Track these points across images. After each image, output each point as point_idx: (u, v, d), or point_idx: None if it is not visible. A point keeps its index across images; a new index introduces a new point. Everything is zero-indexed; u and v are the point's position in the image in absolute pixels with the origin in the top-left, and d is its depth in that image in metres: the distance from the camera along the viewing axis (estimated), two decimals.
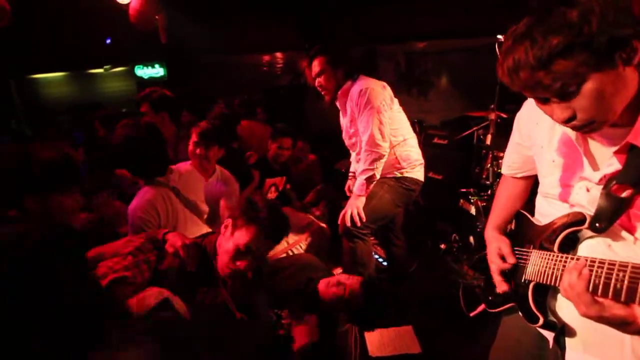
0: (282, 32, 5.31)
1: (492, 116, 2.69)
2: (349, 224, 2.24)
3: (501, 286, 1.03)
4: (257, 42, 5.52)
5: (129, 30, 4.05)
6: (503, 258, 1.03)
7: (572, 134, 0.84)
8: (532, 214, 1.04)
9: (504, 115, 2.67)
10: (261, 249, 1.40)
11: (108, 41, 5.82)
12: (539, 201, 1.00)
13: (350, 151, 2.57)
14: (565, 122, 0.75)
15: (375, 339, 2.24)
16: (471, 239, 2.73)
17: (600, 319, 0.70)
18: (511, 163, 1.13)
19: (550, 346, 0.95)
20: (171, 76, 6.38)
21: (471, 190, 3.03)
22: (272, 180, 3.19)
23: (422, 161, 2.41)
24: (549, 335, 0.95)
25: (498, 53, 2.39)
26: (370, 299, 1.67)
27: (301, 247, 2.57)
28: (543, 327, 0.92)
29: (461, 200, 3.14)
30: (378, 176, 2.22)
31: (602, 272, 0.69)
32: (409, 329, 2.32)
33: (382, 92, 2.19)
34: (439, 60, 5.47)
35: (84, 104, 5.84)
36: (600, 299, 0.70)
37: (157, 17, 4.03)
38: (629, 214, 0.78)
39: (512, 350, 1.07)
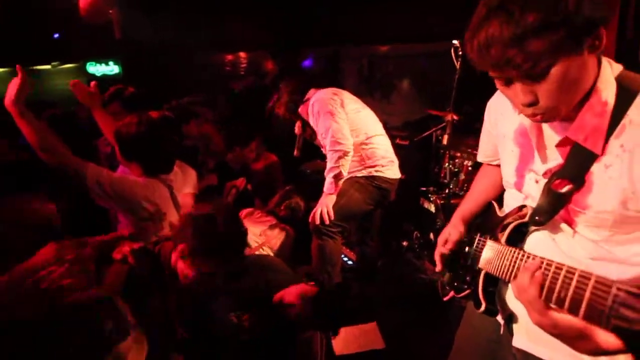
0: (247, 31, 5.24)
1: (449, 117, 2.80)
2: (318, 222, 2.27)
3: (438, 265, 1.09)
4: (220, 41, 5.40)
5: (80, 24, 3.82)
6: (446, 242, 1.09)
7: (527, 124, 0.83)
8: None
9: (456, 117, 2.80)
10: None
11: (56, 36, 5.45)
12: (505, 192, 1.02)
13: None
14: (527, 106, 0.72)
15: (340, 338, 2.26)
16: (431, 235, 2.83)
17: (554, 330, 0.65)
18: (484, 150, 1.13)
19: (502, 332, 0.99)
20: (127, 74, 6.08)
21: (431, 188, 3.14)
22: (232, 183, 3.14)
23: (393, 159, 2.46)
24: (501, 321, 0.99)
25: (454, 57, 2.48)
26: (320, 310, 1.65)
27: (266, 250, 2.53)
28: (485, 312, 0.95)
29: (422, 199, 3.24)
30: (345, 173, 2.27)
31: (556, 277, 0.63)
32: (373, 326, 2.36)
33: (332, 98, 2.31)
34: (401, 64, 5.63)
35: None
36: (555, 308, 0.65)
37: (110, 11, 3.83)
38: (568, 209, 0.78)
39: (473, 336, 1.11)
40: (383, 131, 2.48)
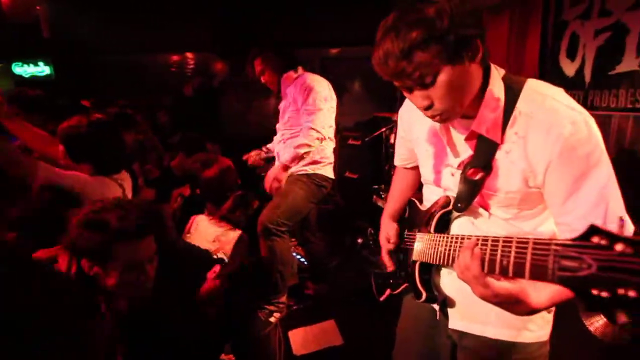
0: (194, 32, 5.07)
1: (396, 117, 2.94)
2: (268, 189, 2.31)
3: (389, 265, 1.14)
4: (165, 41, 5.18)
5: (4, 22, 3.47)
6: (389, 240, 1.15)
7: (437, 125, 0.93)
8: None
9: None
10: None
11: None
12: (424, 189, 1.12)
13: (277, 135, 2.61)
14: (425, 109, 0.84)
15: (299, 338, 2.28)
16: None
17: (495, 299, 0.74)
18: (400, 155, 1.23)
19: (438, 317, 1.07)
20: (60, 76, 5.61)
21: (382, 186, 3.26)
22: (178, 191, 3.04)
23: (332, 161, 2.56)
24: (436, 307, 1.07)
25: None
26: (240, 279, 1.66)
27: (222, 257, 2.47)
28: (426, 301, 1.03)
29: (374, 197, 3.35)
30: (310, 155, 2.34)
31: (495, 249, 0.72)
32: (331, 323, 2.40)
33: (329, 86, 2.40)
34: (352, 66, 5.79)
35: None
36: (494, 280, 0.74)
37: (37, 7, 3.53)
38: (482, 194, 0.89)
39: (413, 326, 1.18)
40: (333, 137, 2.56)
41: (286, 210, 2.34)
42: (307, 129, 2.25)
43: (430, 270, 1.04)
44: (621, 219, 0.52)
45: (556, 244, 0.59)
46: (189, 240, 2.45)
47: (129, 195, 1.87)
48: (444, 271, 1.04)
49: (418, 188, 1.23)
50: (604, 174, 0.77)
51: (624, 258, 0.48)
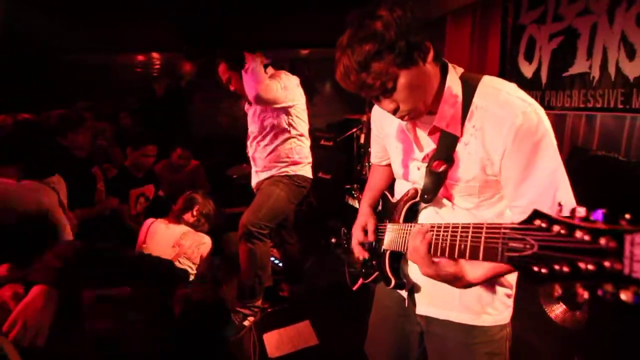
0: (160, 31, 4.92)
1: (365, 118, 2.98)
2: None
3: (359, 254, 1.17)
4: (130, 40, 4.99)
5: None
6: (366, 232, 1.17)
7: (403, 124, 0.99)
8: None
9: None
10: None
11: None
12: (396, 183, 1.17)
13: (249, 139, 2.56)
14: (393, 113, 0.89)
15: (273, 340, 2.26)
16: None
17: (438, 277, 0.84)
18: (376, 153, 1.28)
19: (406, 305, 1.11)
20: (16, 76, 5.27)
21: (354, 186, 3.29)
22: (138, 191, 2.94)
23: (311, 160, 2.55)
24: (405, 295, 1.12)
25: None
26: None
27: (185, 263, 2.41)
28: (395, 287, 1.08)
29: (347, 196, 3.38)
30: (257, 162, 2.39)
31: (440, 235, 0.81)
32: (306, 324, 2.40)
33: (296, 80, 2.37)
34: (322, 67, 5.82)
35: None
36: (437, 260, 0.83)
37: None
38: (446, 185, 0.95)
39: (384, 315, 1.22)
40: (308, 135, 2.56)
41: (268, 213, 2.31)
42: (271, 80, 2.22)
43: (399, 259, 1.09)
44: (560, 204, 0.57)
45: (504, 228, 0.64)
46: (146, 251, 2.35)
47: (64, 200, 1.78)
48: (411, 266, 1.08)
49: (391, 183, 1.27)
50: (553, 161, 0.83)
51: (560, 238, 0.53)
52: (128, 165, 2.93)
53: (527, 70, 3.00)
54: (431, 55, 0.85)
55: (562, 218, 0.54)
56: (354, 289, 1.26)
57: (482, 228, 0.70)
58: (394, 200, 1.14)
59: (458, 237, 0.76)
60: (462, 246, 0.74)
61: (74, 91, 4.60)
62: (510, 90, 0.88)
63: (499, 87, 0.88)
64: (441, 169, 0.93)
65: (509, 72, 3.13)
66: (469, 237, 0.73)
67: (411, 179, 1.05)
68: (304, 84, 2.51)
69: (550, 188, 0.82)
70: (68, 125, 2.48)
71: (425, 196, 0.98)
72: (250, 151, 2.57)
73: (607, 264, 0.47)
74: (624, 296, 0.46)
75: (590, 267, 0.49)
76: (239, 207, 2.99)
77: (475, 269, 0.84)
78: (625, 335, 1.68)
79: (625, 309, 1.67)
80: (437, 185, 0.95)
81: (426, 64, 0.85)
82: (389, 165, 1.27)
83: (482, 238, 0.69)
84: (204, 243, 2.51)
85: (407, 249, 0.94)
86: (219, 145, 5.07)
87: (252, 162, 2.58)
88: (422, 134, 0.99)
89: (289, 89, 2.29)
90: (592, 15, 2.41)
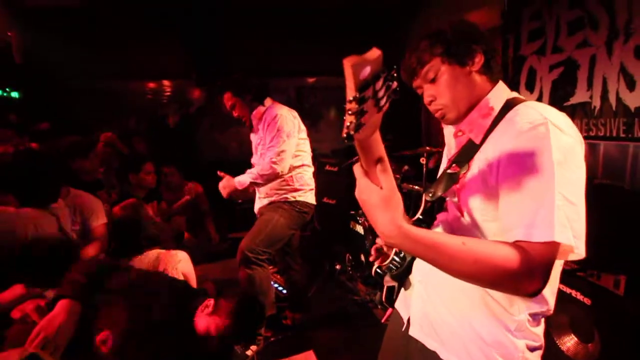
0: (170, 59, 5.11)
1: None
2: (225, 195, 2.42)
3: (374, 256, 1.14)
4: (141, 68, 5.18)
5: None
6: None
7: (446, 132, 1.05)
8: None
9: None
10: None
11: None
12: None
13: (253, 167, 2.62)
14: (429, 104, 0.95)
15: None
16: (362, 256, 2.94)
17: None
18: None
19: (404, 327, 1.08)
20: (31, 102, 5.46)
21: (359, 211, 3.29)
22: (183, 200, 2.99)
23: (313, 187, 2.58)
24: (405, 318, 1.09)
25: None
26: (242, 320, 1.61)
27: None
28: (375, 275, 1.11)
29: (351, 222, 3.37)
30: (263, 188, 2.44)
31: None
32: (309, 354, 2.34)
33: (293, 121, 2.42)
34: (327, 95, 5.96)
35: None
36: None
37: (9, 33, 3.47)
38: (461, 191, 0.93)
39: (390, 333, 1.20)
40: (311, 163, 2.61)
41: (265, 238, 2.32)
42: (268, 163, 2.33)
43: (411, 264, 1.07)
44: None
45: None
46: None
47: (67, 224, 1.80)
48: (414, 278, 1.07)
49: None
50: (548, 180, 0.73)
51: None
52: (130, 188, 2.96)
53: (529, 99, 3.05)
54: (479, 65, 0.91)
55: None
56: (383, 321, 1.23)
57: None
58: None
59: None
60: None
61: (87, 117, 4.73)
62: (540, 106, 0.82)
63: (534, 105, 0.83)
64: (454, 171, 0.94)
65: None
66: None
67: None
68: (310, 111, 2.58)
69: (539, 207, 0.73)
70: (77, 151, 2.56)
71: (430, 192, 0.99)
72: None
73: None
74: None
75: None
76: (243, 232, 2.99)
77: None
78: None
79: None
80: (445, 185, 0.96)
81: (473, 72, 0.91)
82: None
83: None
84: (180, 261, 2.42)
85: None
86: (226, 170, 5.13)
87: (255, 189, 2.61)
88: (449, 137, 1.05)
89: (290, 135, 2.37)
90: (591, 47, 2.48)
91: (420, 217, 1.01)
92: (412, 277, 1.08)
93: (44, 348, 1.09)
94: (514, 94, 0.94)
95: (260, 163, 2.43)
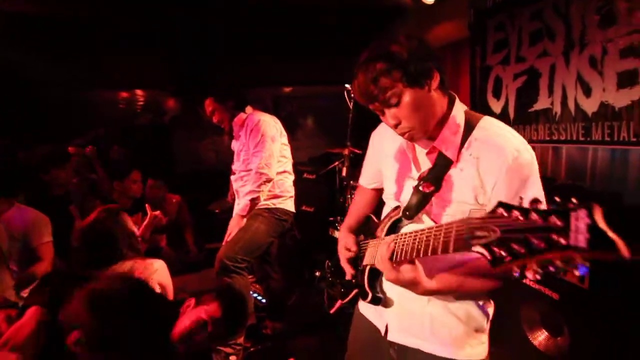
0: (143, 68, 5.04)
1: (346, 152, 3.07)
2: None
3: (349, 272, 1.19)
4: (113, 78, 5.07)
5: None
6: (348, 250, 1.21)
7: (404, 145, 1.07)
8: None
9: (357, 151, 3.09)
10: None
11: None
12: (385, 206, 1.21)
13: (235, 175, 2.61)
14: (395, 127, 0.97)
15: None
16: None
17: (398, 282, 0.92)
18: (366, 175, 1.33)
19: (382, 334, 1.12)
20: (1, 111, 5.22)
21: (338, 218, 3.31)
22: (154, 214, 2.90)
23: (293, 194, 2.59)
24: (381, 326, 1.12)
25: (347, 98, 2.83)
26: (230, 315, 1.61)
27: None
28: (372, 301, 1.10)
29: (330, 229, 3.39)
30: (262, 199, 2.37)
31: (399, 243, 0.92)
32: None
33: (275, 124, 2.45)
34: (304, 104, 6.03)
35: None
36: (397, 267, 0.91)
37: None
38: (437, 205, 0.99)
39: (356, 342, 1.24)
40: (292, 170, 2.63)
41: (245, 246, 2.31)
42: (255, 174, 2.32)
43: (378, 275, 1.11)
44: (521, 197, 0.62)
45: (469, 219, 0.71)
46: None
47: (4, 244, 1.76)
48: (386, 283, 1.10)
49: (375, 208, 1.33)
50: (537, 195, 0.89)
51: (518, 221, 0.59)
52: (115, 198, 2.88)
53: (496, 106, 3.20)
54: (436, 83, 0.94)
55: (520, 205, 0.60)
56: (331, 312, 1.26)
57: (452, 224, 0.76)
58: (377, 221, 1.19)
59: (432, 236, 0.82)
60: (435, 244, 0.80)
61: (56, 127, 4.57)
62: (507, 130, 0.97)
63: (498, 126, 0.98)
64: (428, 190, 0.99)
65: (480, 108, 3.32)
66: (442, 233, 0.79)
67: (403, 198, 1.09)
68: (287, 119, 2.62)
69: None
70: (52, 161, 2.48)
71: (407, 212, 1.03)
72: (234, 185, 2.60)
73: (554, 236, 0.53)
74: (575, 271, 0.52)
75: (541, 243, 0.54)
76: (221, 243, 2.95)
77: (431, 281, 0.92)
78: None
79: (608, 333, 1.71)
80: (420, 204, 1.01)
81: (432, 91, 0.94)
82: (375, 190, 1.34)
83: (453, 233, 0.75)
84: (156, 270, 2.34)
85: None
86: (203, 181, 5.06)
87: (235, 195, 2.60)
88: (421, 154, 1.06)
89: (274, 139, 2.39)
90: (550, 57, 2.64)
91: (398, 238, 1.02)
92: (386, 290, 1.11)
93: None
94: (464, 106, 1.02)
95: (247, 179, 2.43)
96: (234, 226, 2.34)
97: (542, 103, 2.75)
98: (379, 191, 1.35)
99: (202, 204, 4.31)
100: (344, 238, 1.24)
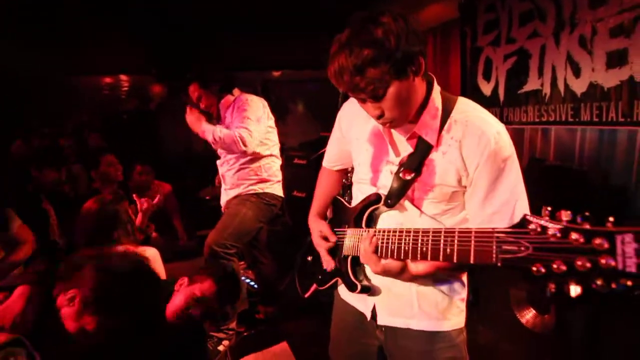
0: (128, 53, 4.87)
1: None
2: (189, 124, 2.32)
3: (329, 264, 1.16)
4: (96, 63, 4.90)
5: None
6: (326, 239, 1.17)
7: (380, 127, 1.02)
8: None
9: None
10: None
11: None
12: (354, 189, 1.18)
13: (220, 159, 2.56)
14: (377, 118, 0.93)
15: None
16: None
17: (384, 272, 0.94)
18: (331, 156, 1.29)
19: (368, 319, 1.12)
20: None
21: None
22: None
23: (280, 179, 2.56)
24: (366, 311, 1.12)
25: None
26: (225, 295, 1.63)
27: None
28: (361, 291, 1.07)
29: None
30: (215, 146, 2.34)
31: (383, 239, 0.93)
32: (283, 346, 2.34)
33: (262, 109, 2.39)
34: (294, 88, 5.93)
35: None
36: (383, 259, 0.93)
37: None
38: (419, 190, 0.98)
39: (342, 328, 1.23)
40: (279, 154, 2.58)
41: (234, 232, 2.28)
42: (236, 132, 2.22)
43: (362, 264, 1.08)
44: (548, 209, 0.61)
45: (497, 232, 0.69)
46: None
47: None
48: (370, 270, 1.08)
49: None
50: (516, 177, 0.92)
51: (555, 240, 0.59)
52: (97, 187, 2.81)
53: (486, 88, 3.18)
54: (422, 71, 0.90)
55: (555, 222, 0.59)
56: (306, 296, 1.26)
57: (470, 233, 0.75)
58: (351, 205, 1.15)
59: (441, 241, 0.80)
60: (448, 250, 0.79)
61: (37, 115, 4.43)
62: (484, 112, 0.97)
63: (474, 107, 0.98)
64: (409, 177, 0.98)
65: (470, 91, 3.31)
66: (456, 241, 0.77)
67: (380, 183, 1.06)
68: (276, 105, 2.56)
69: (511, 200, 0.91)
70: (47, 162, 2.43)
71: (389, 200, 1.01)
72: (220, 170, 2.56)
73: (602, 261, 0.53)
74: (614, 287, 0.52)
75: (587, 264, 0.54)
76: (211, 230, 2.93)
77: (417, 263, 0.91)
78: (589, 337, 1.75)
79: (589, 312, 1.76)
80: (402, 191, 0.99)
81: (416, 78, 0.90)
82: (340, 171, 1.32)
83: (472, 242, 0.74)
84: (148, 258, 2.33)
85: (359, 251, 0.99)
86: (190, 168, 4.99)
87: (222, 180, 2.56)
88: (399, 138, 1.02)
89: (260, 119, 2.32)
90: (541, 37, 2.62)
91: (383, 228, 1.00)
92: (371, 277, 1.09)
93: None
94: (439, 87, 0.99)
95: (233, 164, 2.39)
96: (190, 120, 2.34)
97: (531, 84, 2.75)
98: (343, 171, 1.34)
99: (191, 191, 4.26)
100: (318, 225, 1.21)
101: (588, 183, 2.22)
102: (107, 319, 1.10)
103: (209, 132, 2.27)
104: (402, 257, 0.90)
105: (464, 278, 1.08)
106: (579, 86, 2.37)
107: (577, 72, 2.38)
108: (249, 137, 2.22)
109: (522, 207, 0.90)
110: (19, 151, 3.16)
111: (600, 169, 2.27)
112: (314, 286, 1.23)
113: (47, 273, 1.24)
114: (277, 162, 2.54)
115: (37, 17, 4.27)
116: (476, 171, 0.92)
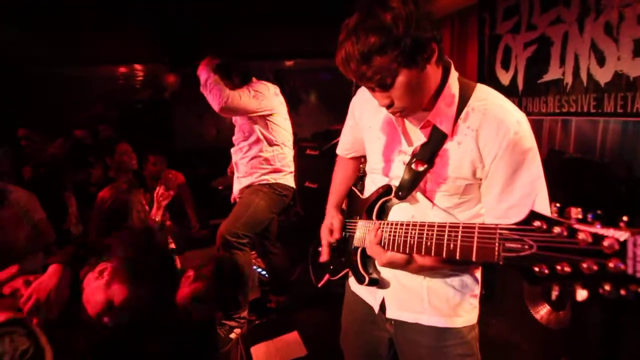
0: (142, 43, 4.90)
1: None
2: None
3: (324, 256, 1.17)
4: (111, 53, 4.95)
5: None
6: (332, 233, 1.17)
7: (392, 116, 0.98)
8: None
9: None
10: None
11: None
12: (367, 179, 1.16)
13: (234, 147, 2.57)
14: (387, 107, 0.89)
15: (261, 352, 2.22)
16: None
17: (391, 264, 0.92)
18: (345, 144, 1.27)
19: (376, 312, 1.11)
20: None
21: None
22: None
23: (293, 170, 2.56)
24: (375, 304, 1.11)
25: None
26: (224, 280, 1.66)
27: None
28: (369, 284, 1.06)
29: None
30: (239, 167, 2.35)
31: (388, 231, 0.91)
32: (294, 335, 2.36)
33: (274, 97, 2.37)
34: (307, 78, 5.88)
35: None
36: (390, 252, 0.91)
37: None
38: (432, 182, 0.95)
39: (353, 320, 1.22)
40: (292, 145, 2.57)
41: (246, 222, 2.30)
42: (235, 90, 2.20)
43: (370, 256, 1.07)
44: (557, 205, 0.57)
45: (501, 229, 0.65)
46: None
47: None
48: None
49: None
50: (537, 170, 0.87)
51: (561, 239, 0.54)
52: (113, 176, 2.87)
53: (504, 77, 3.08)
54: (435, 58, 0.84)
55: (562, 220, 0.55)
56: (319, 285, 1.26)
57: (474, 228, 0.71)
58: (363, 196, 1.14)
59: (445, 236, 0.77)
60: (452, 245, 0.75)
61: (51, 106, 4.51)
62: (505, 100, 0.91)
63: (495, 95, 0.92)
64: (421, 168, 0.94)
65: (487, 80, 3.21)
66: (459, 236, 0.74)
67: (392, 174, 1.03)
68: (289, 95, 2.53)
69: (531, 195, 0.86)
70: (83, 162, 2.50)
71: (400, 193, 0.98)
72: (234, 157, 2.57)
73: (611, 264, 0.49)
74: (624, 293, 0.48)
75: (593, 267, 0.50)
76: (224, 219, 2.96)
77: (424, 257, 0.87)
78: (607, 334, 1.71)
79: (605, 309, 1.71)
80: (413, 184, 0.96)
81: (428, 66, 0.84)
82: (355, 159, 1.30)
83: (475, 238, 0.70)
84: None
85: (384, 246, 0.96)
86: (204, 157, 5.04)
87: (235, 168, 2.58)
88: (412, 128, 0.98)
89: (263, 97, 2.29)
90: (564, 24, 2.51)
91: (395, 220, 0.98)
92: (381, 270, 1.09)
93: (37, 310, 1.10)
94: (456, 73, 0.94)
95: (247, 152, 2.39)
96: (208, 62, 2.28)
97: (552, 73, 2.65)
98: (359, 159, 1.32)
99: (204, 180, 4.31)
100: (332, 217, 1.20)
101: (610, 176, 2.14)
102: (136, 286, 1.13)
103: (209, 75, 2.22)
104: (407, 251, 0.87)
105: (478, 274, 1.05)
106: (603, 75, 2.27)
107: (601, 61, 2.28)
108: (236, 98, 2.18)
109: (542, 203, 0.84)
110: (56, 152, 3.21)
111: (623, 162, 2.19)
112: (327, 276, 1.23)
113: (74, 257, 1.27)
114: (290, 153, 2.54)
115: (50, 8, 4.32)
116: (493, 163, 0.87)
